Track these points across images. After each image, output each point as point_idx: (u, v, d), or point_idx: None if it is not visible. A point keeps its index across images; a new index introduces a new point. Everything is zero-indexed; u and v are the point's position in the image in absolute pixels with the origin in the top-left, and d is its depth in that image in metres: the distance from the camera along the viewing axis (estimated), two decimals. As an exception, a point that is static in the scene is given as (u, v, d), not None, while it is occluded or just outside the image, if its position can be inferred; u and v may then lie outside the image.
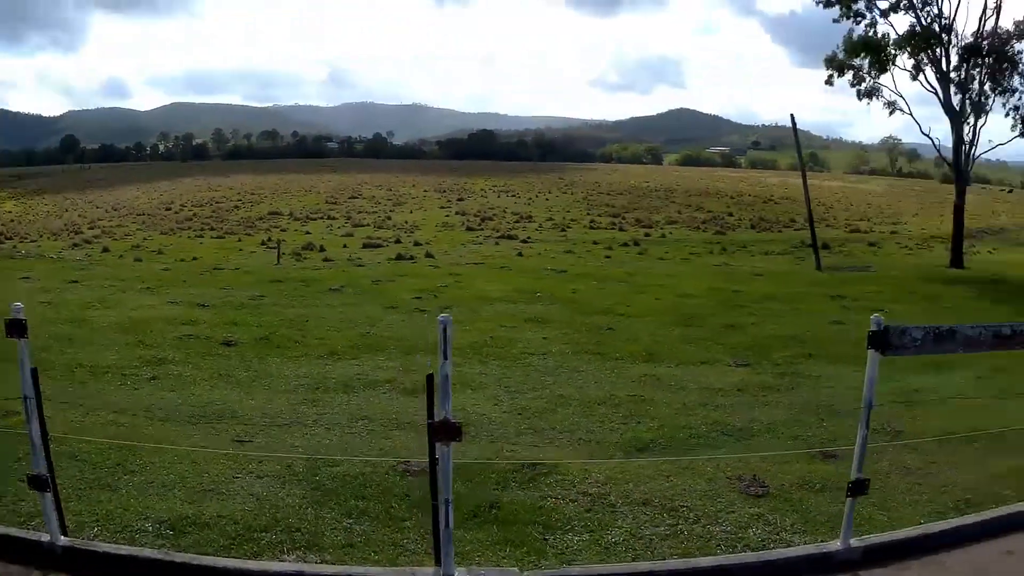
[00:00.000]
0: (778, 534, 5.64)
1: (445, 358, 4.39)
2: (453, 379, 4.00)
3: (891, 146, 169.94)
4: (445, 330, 4.37)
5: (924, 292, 22.51)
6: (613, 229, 49.07)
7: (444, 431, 4.46)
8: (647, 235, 45.86)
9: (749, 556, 5.24)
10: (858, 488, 5.22)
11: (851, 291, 21.69)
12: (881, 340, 5.01)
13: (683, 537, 5.53)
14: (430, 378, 4.58)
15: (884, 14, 33.16)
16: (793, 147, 37.33)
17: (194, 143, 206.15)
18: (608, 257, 32.82)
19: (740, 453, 7.36)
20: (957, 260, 32.56)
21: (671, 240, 43.49)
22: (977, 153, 32.87)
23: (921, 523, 5.79)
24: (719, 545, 5.42)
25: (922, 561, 5.28)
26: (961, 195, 32.81)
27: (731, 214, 63.84)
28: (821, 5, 33.66)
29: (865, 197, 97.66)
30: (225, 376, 9.75)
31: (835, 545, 5.30)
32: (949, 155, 33.20)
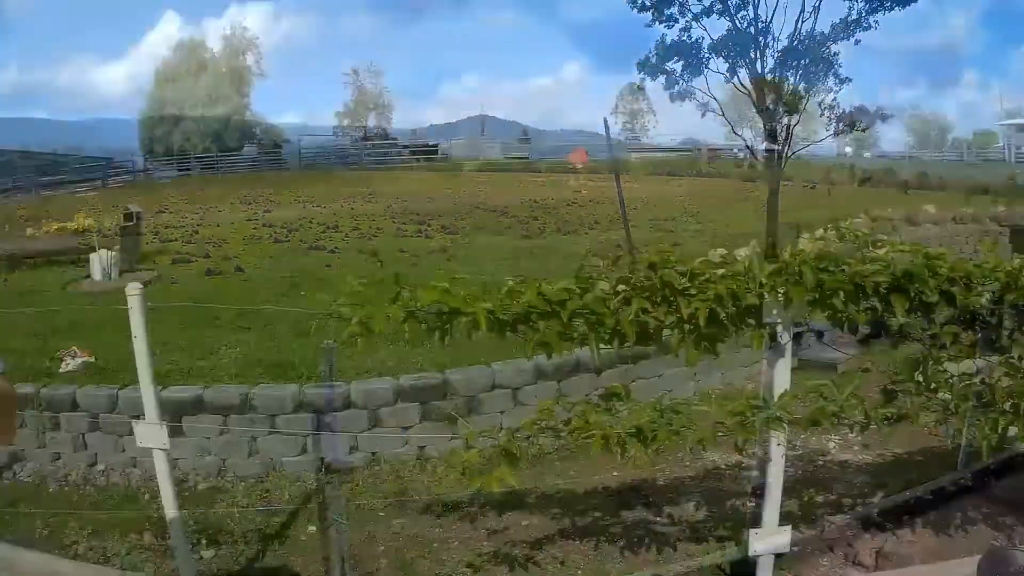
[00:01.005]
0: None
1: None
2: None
3: (690, 147, 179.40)
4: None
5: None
6: (420, 237, 48.73)
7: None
8: (453, 242, 45.77)
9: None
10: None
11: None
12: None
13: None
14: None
15: (697, 18, 34.05)
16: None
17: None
18: (415, 265, 32.31)
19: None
20: (771, 254, 34.09)
21: (477, 246, 43.59)
22: (791, 152, 34.31)
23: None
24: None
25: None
26: (774, 193, 34.24)
27: (536, 218, 64.79)
28: (636, 10, 34.19)
29: (668, 198, 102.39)
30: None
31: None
32: (761, 156, 34.59)
